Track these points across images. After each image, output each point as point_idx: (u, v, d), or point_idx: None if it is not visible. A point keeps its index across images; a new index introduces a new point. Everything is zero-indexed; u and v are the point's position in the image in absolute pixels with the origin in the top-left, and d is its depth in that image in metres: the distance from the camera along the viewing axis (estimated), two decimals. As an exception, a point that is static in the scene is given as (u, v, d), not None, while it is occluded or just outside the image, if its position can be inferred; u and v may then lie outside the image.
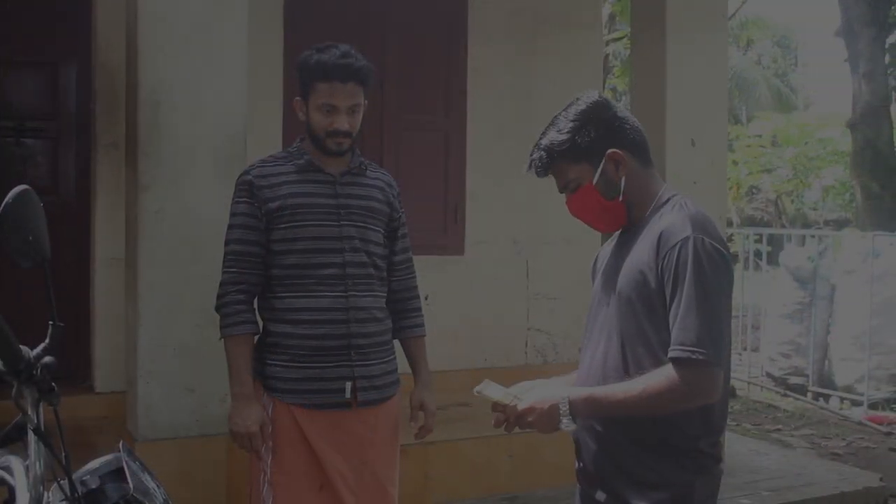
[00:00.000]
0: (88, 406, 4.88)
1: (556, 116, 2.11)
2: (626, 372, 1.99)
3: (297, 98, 2.76)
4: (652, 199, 2.08)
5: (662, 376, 1.89)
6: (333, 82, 2.65)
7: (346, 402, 2.69)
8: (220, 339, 2.73)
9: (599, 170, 2.05)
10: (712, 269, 1.90)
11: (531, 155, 2.12)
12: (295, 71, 2.75)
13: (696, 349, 1.86)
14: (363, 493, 2.72)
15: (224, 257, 2.76)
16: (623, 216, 2.11)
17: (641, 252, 1.99)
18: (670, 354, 1.89)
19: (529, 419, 2.00)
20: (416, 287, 2.98)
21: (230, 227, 2.76)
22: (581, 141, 2.05)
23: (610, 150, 2.04)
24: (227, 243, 2.76)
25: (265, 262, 2.73)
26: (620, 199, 2.07)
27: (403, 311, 2.93)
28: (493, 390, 2.15)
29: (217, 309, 2.74)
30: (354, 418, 2.72)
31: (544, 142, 2.08)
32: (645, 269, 1.96)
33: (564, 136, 2.05)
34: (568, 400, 1.95)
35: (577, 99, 2.10)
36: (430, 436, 4.46)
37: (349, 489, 2.68)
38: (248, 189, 2.73)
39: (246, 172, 2.77)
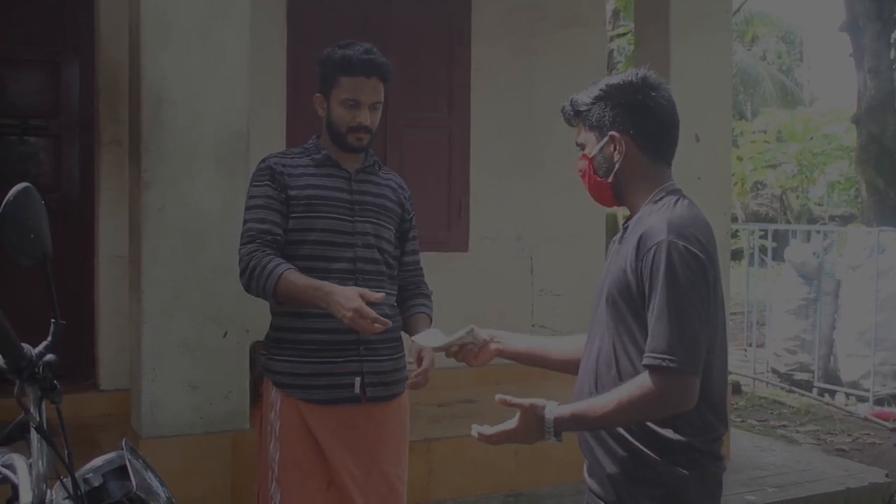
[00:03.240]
0: (93, 404, 4.88)
1: (604, 77, 2.14)
2: (618, 369, 1.99)
3: (318, 94, 2.77)
4: (648, 194, 2.06)
5: (636, 385, 1.89)
6: (358, 77, 2.68)
7: (356, 396, 2.69)
8: (274, 302, 2.63)
9: (600, 146, 2.08)
10: (685, 273, 1.87)
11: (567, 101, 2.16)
12: (317, 67, 2.75)
13: (665, 356, 1.85)
14: (371, 490, 2.71)
15: (241, 236, 2.69)
16: (609, 198, 2.13)
17: (626, 253, 1.98)
18: (643, 362, 1.88)
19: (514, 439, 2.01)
20: (424, 285, 2.97)
21: (249, 208, 2.72)
22: (596, 112, 2.07)
23: (612, 132, 2.05)
24: (245, 222, 2.70)
25: (284, 247, 2.69)
26: (610, 180, 2.08)
27: (410, 299, 2.89)
28: (431, 339, 2.33)
29: (247, 274, 2.60)
30: (363, 415, 2.71)
31: (575, 96, 2.12)
32: (628, 271, 1.96)
33: (587, 102, 2.09)
34: (553, 420, 1.95)
35: (627, 71, 2.11)
36: (434, 432, 4.48)
37: (357, 486, 2.68)
38: (270, 173, 2.71)
39: (265, 160, 2.77)
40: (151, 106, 3.63)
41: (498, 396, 2.00)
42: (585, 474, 2.13)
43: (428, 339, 2.49)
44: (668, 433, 1.95)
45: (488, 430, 2.04)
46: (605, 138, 2.06)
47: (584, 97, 2.09)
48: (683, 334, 1.85)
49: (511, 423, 2.00)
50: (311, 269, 2.66)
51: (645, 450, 1.96)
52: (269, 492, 2.68)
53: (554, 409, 1.97)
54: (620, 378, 1.98)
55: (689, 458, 1.97)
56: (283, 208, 2.69)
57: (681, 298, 1.86)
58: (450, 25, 5.99)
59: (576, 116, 2.12)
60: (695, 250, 1.89)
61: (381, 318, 2.46)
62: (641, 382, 1.88)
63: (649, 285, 1.90)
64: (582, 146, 2.13)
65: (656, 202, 2.03)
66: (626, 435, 1.98)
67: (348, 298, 2.46)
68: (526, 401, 1.99)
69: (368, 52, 2.70)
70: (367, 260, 2.72)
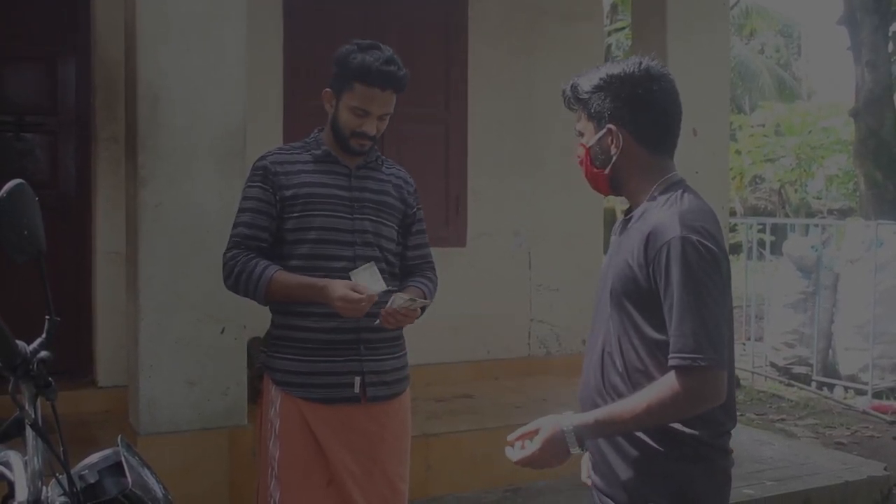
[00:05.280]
0: (90, 400, 4.87)
1: (606, 64, 2.08)
2: (624, 363, 1.97)
3: (328, 89, 2.73)
4: (649, 186, 2.03)
5: (666, 387, 1.85)
6: (373, 88, 2.63)
7: (355, 396, 2.67)
8: (264, 303, 2.67)
9: (598, 137, 2.05)
10: (702, 268, 1.85)
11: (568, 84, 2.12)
12: (333, 63, 2.70)
13: (696, 355, 1.82)
14: (372, 490, 2.70)
15: (229, 239, 2.71)
16: (606, 188, 2.11)
17: (630, 248, 1.96)
18: (671, 363, 1.85)
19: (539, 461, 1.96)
20: (430, 271, 2.92)
21: (240, 210, 2.73)
22: (594, 102, 2.03)
23: (609, 125, 2.02)
24: (234, 226, 2.72)
25: (272, 250, 2.69)
26: (607, 171, 2.06)
27: (409, 279, 2.84)
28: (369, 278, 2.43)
29: (233, 278, 2.65)
30: (364, 414, 2.70)
31: (576, 80, 2.08)
32: (634, 267, 1.93)
33: (586, 90, 2.04)
34: (573, 428, 1.91)
35: (629, 60, 2.05)
36: (432, 428, 4.47)
37: (357, 486, 2.67)
38: (262, 174, 2.71)
39: (262, 158, 2.75)
40: (148, 103, 3.62)
41: (509, 438, 2.01)
42: (591, 471, 2.11)
43: (364, 275, 2.56)
44: (675, 426, 1.92)
45: (512, 456, 2.00)
46: (603, 130, 2.03)
47: (585, 84, 2.04)
48: (708, 330, 1.82)
49: (534, 446, 1.96)
50: (311, 268, 2.65)
51: (651, 444, 1.94)
52: (269, 489, 2.68)
53: (573, 418, 1.93)
54: (627, 372, 1.96)
55: (696, 452, 1.95)
56: (272, 210, 2.68)
57: (701, 293, 1.83)
58: (447, 21, 5.98)
59: (575, 102, 2.08)
60: (708, 244, 1.87)
61: (368, 297, 2.49)
62: (670, 383, 1.84)
63: (664, 283, 1.86)
64: (581, 134, 2.09)
65: (659, 196, 2.00)
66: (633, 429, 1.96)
67: (335, 289, 2.51)
68: (537, 421, 1.97)
69: (389, 62, 2.63)
70: (366, 258, 2.69)
